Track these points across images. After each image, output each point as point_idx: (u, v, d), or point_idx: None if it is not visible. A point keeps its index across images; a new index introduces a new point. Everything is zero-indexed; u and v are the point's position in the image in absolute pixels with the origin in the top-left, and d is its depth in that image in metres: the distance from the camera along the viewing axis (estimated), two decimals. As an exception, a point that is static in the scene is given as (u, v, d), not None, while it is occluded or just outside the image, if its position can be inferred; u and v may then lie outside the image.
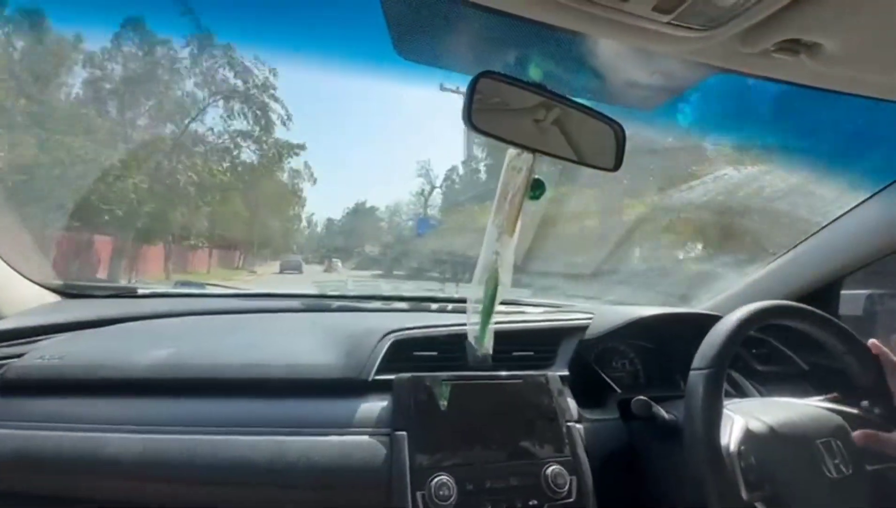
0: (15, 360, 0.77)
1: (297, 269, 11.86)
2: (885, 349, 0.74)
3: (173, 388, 0.76)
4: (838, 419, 0.71)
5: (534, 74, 0.72)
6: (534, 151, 0.65)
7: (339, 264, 13.02)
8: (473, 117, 0.57)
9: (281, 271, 12.09)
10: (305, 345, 0.89)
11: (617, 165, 0.73)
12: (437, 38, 0.65)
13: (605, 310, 1.14)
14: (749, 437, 0.67)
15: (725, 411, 0.69)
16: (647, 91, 0.78)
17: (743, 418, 0.70)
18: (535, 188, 0.68)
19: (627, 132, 0.73)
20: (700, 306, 1.34)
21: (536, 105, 0.64)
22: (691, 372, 0.69)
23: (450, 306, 1.35)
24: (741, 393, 1.05)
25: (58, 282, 1.07)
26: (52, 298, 1.04)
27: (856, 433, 0.70)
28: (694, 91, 0.77)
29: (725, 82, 0.71)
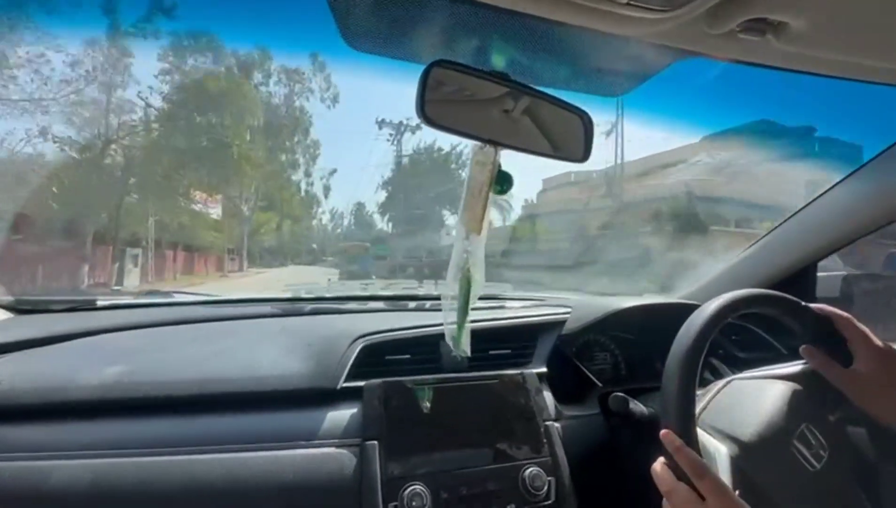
0: None
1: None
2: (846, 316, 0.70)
3: (126, 408, 0.72)
4: (801, 390, 0.69)
5: (494, 61, 0.69)
6: (496, 144, 0.62)
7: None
8: (427, 109, 0.53)
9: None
10: (270, 354, 0.86)
11: (585, 156, 0.70)
12: (388, 26, 0.61)
13: (583, 303, 1.12)
14: (734, 467, 0.64)
15: (709, 440, 0.66)
16: (614, 77, 0.76)
17: (724, 446, 0.67)
18: (502, 182, 0.64)
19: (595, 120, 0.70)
20: (679, 295, 1.33)
21: (497, 95, 0.60)
22: (662, 387, 0.65)
23: (428, 303, 1.32)
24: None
25: (7, 298, 1.01)
26: (3, 315, 0.98)
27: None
28: (662, 76, 0.74)
29: (693, 68, 0.69)
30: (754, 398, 0.69)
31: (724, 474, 0.62)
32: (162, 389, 0.74)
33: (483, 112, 0.60)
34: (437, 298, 1.41)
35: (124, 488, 0.63)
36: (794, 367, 0.73)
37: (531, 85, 0.63)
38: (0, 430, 0.67)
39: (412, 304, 1.35)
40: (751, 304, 0.70)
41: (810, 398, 0.69)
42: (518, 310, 1.15)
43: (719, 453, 0.64)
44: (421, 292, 1.57)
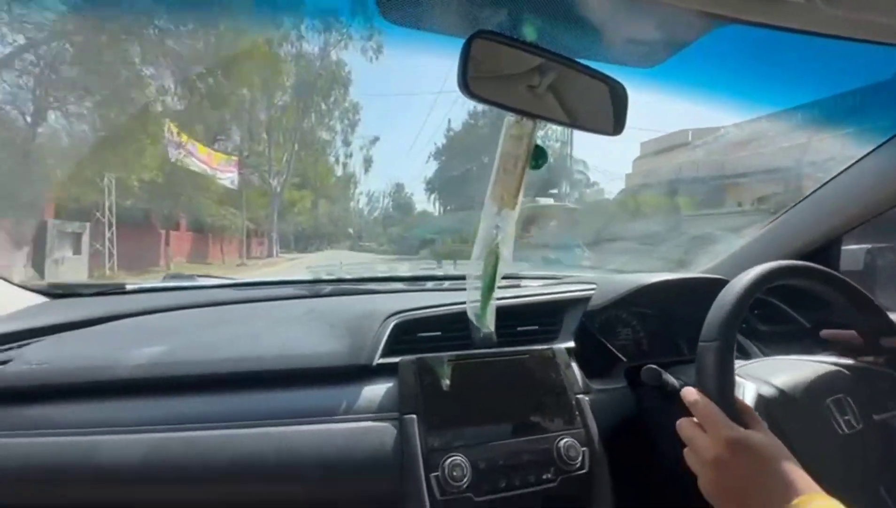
0: (0, 367, 0.73)
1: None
2: None
3: (169, 386, 0.73)
4: (847, 375, 0.71)
5: (527, 33, 0.68)
6: (535, 116, 0.61)
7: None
8: (470, 84, 0.53)
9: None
10: (304, 333, 0.87)
11: (619, 129, 0.70)
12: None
13: (607, 279, 1.12)
14: (761, 403, 0.66)
15: (736, 377, 0.67)
16: (648, 47, 0.74)
17: (753, 383, 0.69)
18: (538, 157, 0.64)
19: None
20: (699, 269, 1.33)
21: (535, 67, 0.60)
22: (700, 344, 0.66)
23: (446, 283, 1.34)
24: (745, 355, 1.05)
25: (41, 283, 1.03)
26: (37, 299, 1.00)
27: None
28: (697, 45, 0.72)
29: (730, 34, 0.67)
30: (798, 364, 0.71)
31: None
32: (202, 367, 0.76)
33: (522, 84, 0.59)
34: (455, 278, 1.43)
35: (176, 461, 0.64)
36: (848, 360, 0.74)
37: (568, 56, 0.63)
38: (49, 409, 0.69)
39: (430, 284, 1.36)
40: (783, 276, 0.70)
41: (857, 385, 0.70)
42: (539, 288, 1.16)
43: (747, 387, 0.66)
44: (439, 272, 1.58)
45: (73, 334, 0.84)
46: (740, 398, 0.65)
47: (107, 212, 6.92)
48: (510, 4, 0.64)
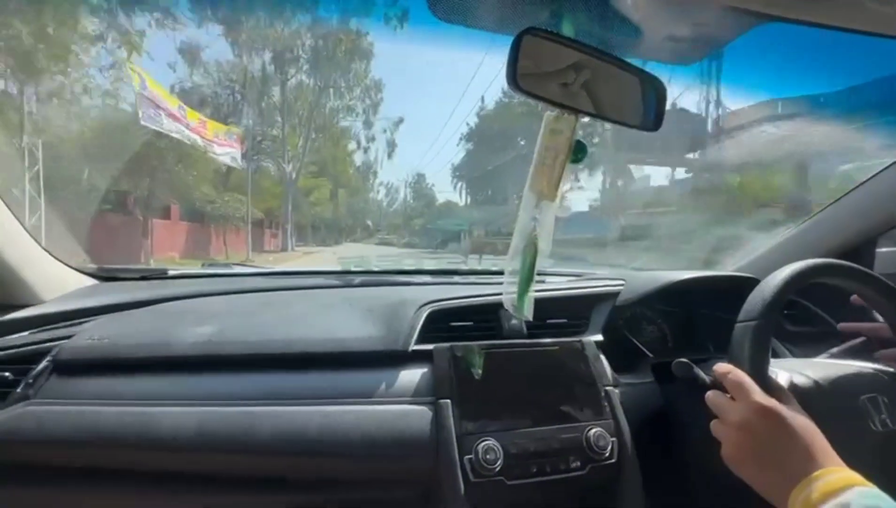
0: (65, 341, 0.79)
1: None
2: None
3: (220, 364, 0.78)
4: (883, 378, 0.71)
5: (568, 30, 0.70)
6: (577, 111, 0.63)
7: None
8: (519, 79, 0.55)
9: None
10: (343, 318, 0.90)
11: (658, 125, 0.71)
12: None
13: (635, 275, 1.13)
14: (794, 391, 0.67)
15: (771, 369, 0.68)
16: (687, 45, 0.75)
17: (787, 373, 0.70)
18: (578, 151, 0.66)
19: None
20: (727, 269, 1.33)
21: (581, 63, 0.61)
22: (737, 325, 0.68)
23: (472, 277, 1.36)
24: (773, 355, 1.05)
25: (91, 266, 1.09)
26: (88, 281, 1.06)
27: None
28: (736, 44, 0.73)
29: (770, 32, 0.68)
30: (832, 363, 0.71)
31: None
32: (252, 348, 0.80)
33: (568, 80, 0.61)
34: (481, 272, 1.46)
35: (229, 433, 0.68)
36: (885, 366, 0.73)
37: (610, 53, 0.64)
38: (111, 382, 0.74)
39: (457, 278, 1.39)
40: (825, 273, 0.70)
41: (893, 389, 0.69)
42: (564, 283, 1.18)
43: (780, 374, 0.67)
44: (464, 267, 1.61)
45: (128, 313, 0.90)
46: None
47: (27, 186, 4.72)
48: (556, 3, 0.65)
